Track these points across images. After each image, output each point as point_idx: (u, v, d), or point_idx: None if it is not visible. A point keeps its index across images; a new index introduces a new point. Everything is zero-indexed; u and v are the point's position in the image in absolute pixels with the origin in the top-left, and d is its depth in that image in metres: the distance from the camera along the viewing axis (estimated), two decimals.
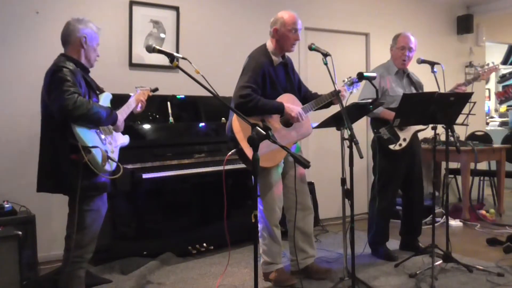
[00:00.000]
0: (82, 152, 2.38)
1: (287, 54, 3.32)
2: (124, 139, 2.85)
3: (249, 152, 2.97)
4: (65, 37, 2.67)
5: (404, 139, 3.68)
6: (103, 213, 2.67)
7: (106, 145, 2.59)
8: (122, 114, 2.80)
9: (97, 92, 2.76)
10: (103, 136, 2.58)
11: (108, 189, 2.65)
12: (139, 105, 2.95)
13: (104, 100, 2.76)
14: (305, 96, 3.42)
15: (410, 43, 3.80)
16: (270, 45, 3.23)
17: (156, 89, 3.21)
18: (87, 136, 2.45)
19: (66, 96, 2.39)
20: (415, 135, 3.76)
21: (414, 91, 3.83)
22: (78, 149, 2.38)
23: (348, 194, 2.90)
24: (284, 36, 3.16)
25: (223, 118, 4.15)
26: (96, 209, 2.61)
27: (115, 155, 2.65)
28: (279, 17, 3.19)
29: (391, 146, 3.68)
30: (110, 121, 2.63)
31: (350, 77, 3.28)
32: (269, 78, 3.15)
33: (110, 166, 2.54)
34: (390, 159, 3.74)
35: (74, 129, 2.42)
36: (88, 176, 2.47)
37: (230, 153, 2.92)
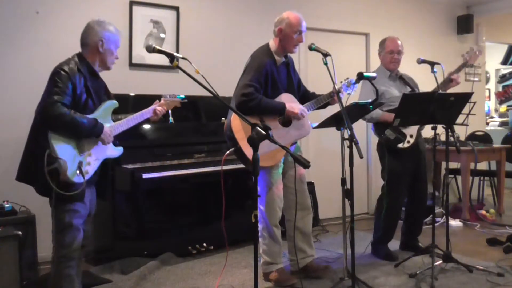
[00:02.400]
0: (45, 160, 2.39)
1: (289, 54, 3.33)
2: (114, 152, 2.76)
3: (248, 151, 2.97)
4: (83, 39, 2.67)
5: (411, 136, 3.68)
6: (83, 213, 2.62)
7: (84, 156, 2.55)
8: (121, 125, 2.73)
9: (93, 98, 2.66)
10: (82, 147, 2.55)
11: (83, 198, 2.57)
12: (156, 114, 2.87)
13: (105, 109, 2.69)
14: (303, 96, 3.42)
15: (398, 46, 3.83)
16: (273, 45, 3.23)
17: (184, 99, 3.07)
18: (59, 146, 2.44)
19: (47, 103, 2.42)
20: (419, 132, 3.75)
21: (409, 90, 3.84)
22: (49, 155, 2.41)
23: (348, 194, 2.90)
24: (288, 37, 3.16)
25: (223, 118, 4.14)
26: (75, 209, 2.56)
27: (92, 167, 2.60)
28: (284, 17, 3.18)
29: (400, 145, 3.67)
30: (91, 134, 2.56)
31: (347, 78, 3.28)
32: (272, 77, 3.15)
33: (79, 178, 2.48)
34: (399, 159, 3.71)
35: (49, 135, 2.43)
36: (63, 183, 2.44)
37: (227, 152, 2.93)
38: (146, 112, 2.85)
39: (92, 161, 2.60)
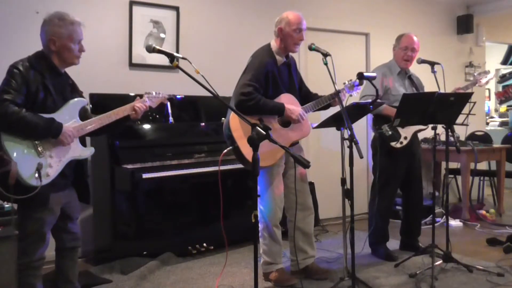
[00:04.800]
0: None
1: (291, 54, 3.33)
2: (82, 152, 2.60)
3: (245, 151, 2.97)
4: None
5: (405, 137, 3.69)
6: (48, 221, 2.50)
7: (45, 158, 2.41)
8: (92, 124, 2.58)
9: (54, 96, 2.52)
10: (40, 148, 2.40)
11: (46, 203, 2.44)
12: (135, 111, 2.72)
13: (70, 107, 2.56)
14: (305, 96, 3.42)
15: (414, 44, 3.81)
16: (274, 45, 3.24)
17: (173, 97, 3.01)
18: (12, 147, 2.33)
19: None
20: (415, 134, 3.76)
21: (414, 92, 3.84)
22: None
23: (348, 194, 2.90)
24: (289, 36, 3.16)
25: (223, 118, 4.14)
26: (38, 217, 2.46)
27: (55, 170, 2.45)
28: (284, 17, 3.19)
29: (393, 144, 3.68)
30: (46, 134, 2.41)
31: (350, 80, 3.28)
32: (272, 77, 3.15)
33: (37, 181, 2.35)
34: (390, 158, 3.74)
35: (1, 136, 2.33)
36: (19, 186, 2.32)
37: (225, 151, 2.93)
38: (123, 110, 2.70)
39: (54, 163, 2.45)
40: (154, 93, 2.87)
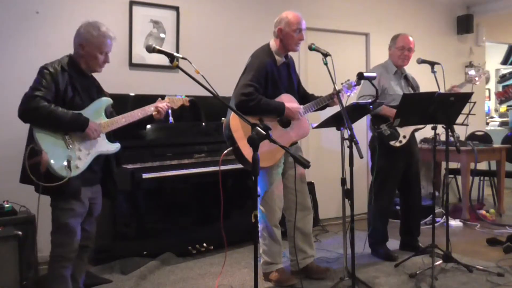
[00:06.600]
0: (25, 154, 2.46)
1: (289, 54, 3.33)
2: (109, 147, 2.73)
3: (246, 151, 2.97)
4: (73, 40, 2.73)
5: (404, 136, 3.69)
6: (78, 212, 2.62)
7: (74, 151, 2.55)
8: (117, 121, 2.70)
9: (81, 96, 2.68)
10: (69, 141, 2.55)
11: (78, 195, 2.58)
12: (158, 111, 2.86)
13: (96, 105, 2.69)
14: (303, 97, 3.42)
15: (410, 43, 3.82)
16: (273, 45, 3.24)
17: (193, 100, 3.13)
18: (44, 139, 2.48)
19: (26, 97, 2.49)
20: (412, 134, 3.76)
21: (411, 92, 3.84)
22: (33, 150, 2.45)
23: (348, 194, 2.90)
24: (289, 36, 3.17)
25: (223, 118, 4.14)
26: (70, 208, 2.59)
27: (84, 162, 2.58)
28: (283, 17, 3.20)
29: (392, 142, 3.68)
30: (73, 127, 2.55)
31: (348, 80, 3.29)
32: (272, 77, 3.16)
33: (67, 172, 2.48)
34: (388, 158, 3.74)
35: (33, 129, 2.50)
36: (50, 177, 2.45)
37: (225, 152, 2.94)
38: (147, 109, 2.82)
39: (83, 156, 2.59)
40: (176, 95, 3.00)
